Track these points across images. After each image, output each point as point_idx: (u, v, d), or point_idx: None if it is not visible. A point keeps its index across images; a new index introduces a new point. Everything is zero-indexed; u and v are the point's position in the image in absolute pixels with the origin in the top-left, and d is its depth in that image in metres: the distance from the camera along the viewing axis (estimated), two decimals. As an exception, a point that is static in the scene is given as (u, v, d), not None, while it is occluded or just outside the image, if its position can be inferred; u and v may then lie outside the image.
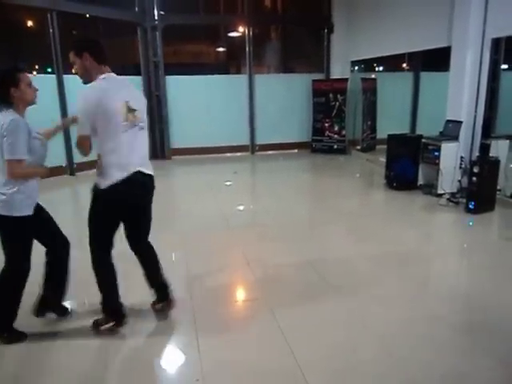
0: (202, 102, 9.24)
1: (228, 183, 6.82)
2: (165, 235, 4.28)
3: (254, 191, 7.13)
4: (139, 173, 2.49)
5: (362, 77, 9.30)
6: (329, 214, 5.21)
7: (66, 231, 2.85)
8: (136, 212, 2.65)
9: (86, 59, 2.44)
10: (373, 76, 10.06)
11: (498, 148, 5.21)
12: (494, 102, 8.00)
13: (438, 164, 5.52)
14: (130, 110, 2.44)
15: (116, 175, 2.41)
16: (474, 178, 4.89)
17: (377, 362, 2.34)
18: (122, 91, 2.46)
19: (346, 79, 9.24)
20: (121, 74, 2.64)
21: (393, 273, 3.47)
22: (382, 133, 8.01)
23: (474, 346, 2.47)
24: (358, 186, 6.83)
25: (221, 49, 12.08)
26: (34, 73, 8.31)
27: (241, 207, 5.65)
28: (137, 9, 8.63)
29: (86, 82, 2.47)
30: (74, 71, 2.55)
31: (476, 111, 5.52)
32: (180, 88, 9.09)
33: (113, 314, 2.67)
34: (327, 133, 9.48)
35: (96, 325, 2.66)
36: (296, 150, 9.79)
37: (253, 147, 9.70)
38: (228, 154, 9.49)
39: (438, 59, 7.57)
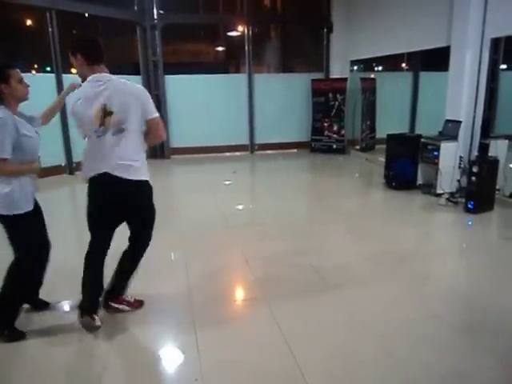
0: (201, 102, 9.24)
1: (227, 182, 6.82)
2: (164, 234, 4.27)
3: (253, 191, 7.12)
4: (107, 175, 2.48)
5: (361, 76, 9.29)
6: (328, 213, 5.21)
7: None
8: (121, 212, 2.63)
9: (78, 60, 2.47)
10: (372, 76, 10.06)
11: (497, 148, 5.22)
12: (493, 101, 8.00)
13: (437, 164, 5.53)
14: (108, 113, 2.40)
15: (90, 173, 2.53)
16: (473, 178, 4.90)
17: (376, 362, 2.34)
18: (101, 95, 2.40)
19: (346, 79, 9.24)
20: (120, 74, 2.64)
21: (392, 273, 3.47)
22: (382, 132, 8.03)
23: (474, 345, 2.47)
24: (357, 186, 6.83)
25: (220, 48, 12.07)
26: (33, 72, 8.30)
27: (240, 206, 5.65)
28: (136, 8, 8.62)
29: (82, 82, 2.49)
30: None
31: (475, 111, 5.52)
32: (179, 87, 9.08)
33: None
34: (326, 132, 9.48)
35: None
36: (295, 150, 9.79)
37: (252, 147, 9.69)
38: (227, 154, 9.49)
39: (437, 59, 7.56)
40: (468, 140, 5.58)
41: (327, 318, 2.81)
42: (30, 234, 2.53)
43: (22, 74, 2.48)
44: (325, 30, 9.67)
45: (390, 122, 8.82)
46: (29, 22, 9.60)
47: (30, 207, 2.48)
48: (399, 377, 2.22)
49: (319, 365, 2.32)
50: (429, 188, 5.76)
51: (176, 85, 9.06)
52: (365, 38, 8.57)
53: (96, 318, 2.66)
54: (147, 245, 2.81)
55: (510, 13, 4.92)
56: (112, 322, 2.77)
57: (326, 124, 9.46)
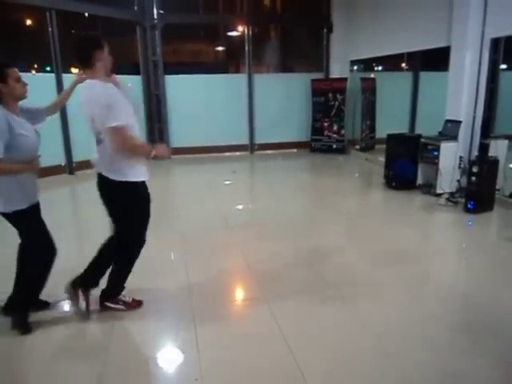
0: (201, 102, 9.24)
1: (227, 182, 6.82)
2: (164, 234, 4.29)
3: (252, 190, 7.12)
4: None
5: (361, 76, 9.29)
6: (328, 213, 5.21)
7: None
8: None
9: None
10: (372, 76, 10.06)
11: (497, 148, 5.22)
12: (493, 101, 8.00)
13: (437, 164, 5.53)
14: None
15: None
16: (473, 178, 4.90)
17: (375, 362, 2.34)
18: (86, 106, 2.48)
19: (346, 79, 9.24)
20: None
21: (391, 272, 3.47)
22: (381, 132, 8.03)
23: (473, 345, 2.47)
24: (356, 186, 6.83)
25: (220, 48, 12.07)
26: (33, 71, 8.29)
27: (240, 206, 5.65)
28: (136, 8, 8.62)
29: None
30: None
31: (475, 111, 5.52)
32: (179, 87, 9.08)
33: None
34: (326, 132, 9.48)
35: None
36: (295, 150, 9.78)
37: (252, 146, 9.69)
38: (227, 154, 9.49)
39: (437, 59, 7.57)
40: (468, 140, 5.58)
41: (327, 317, 2.81)
42: (34, 225, 2.60)
43: (22, 74, 2.49)
44: (325, 30, 9.67)
45: (390, 121, 8.82)
46: (29, 22, 9.61)
47: (28, 204, 2.50)
48: (396, 377, 2.23)
49: (319, 364, 2.33)
50: (429, 188, 5.76)
51: (176, 85, 9.06)
52: (365, 38, 8.57)
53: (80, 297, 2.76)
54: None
55: (509, 13, 4.92)
56: (111, 321, 2.78)
57: (325, 124, 9.46)
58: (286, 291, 3.17)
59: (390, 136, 6.36)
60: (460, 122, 5.52)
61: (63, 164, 7.52)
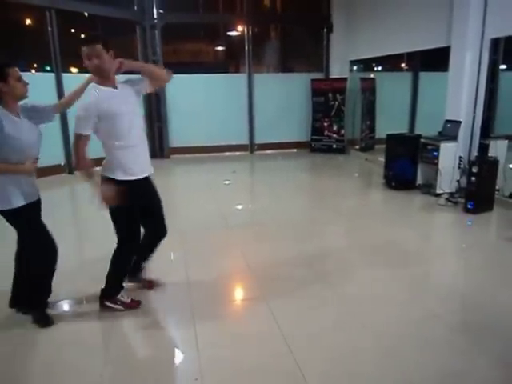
0: (201, 101, 9.23)
1: (227, 182, 6.82)
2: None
3: (252, 190, 7.12)
4: None
5: (361, 76, 9.29)
6: (327, 213, 5.21)
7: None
8: None
9: None
10: (372, 76, 10.06)
11: (497, 148, 5.22)
12: (493, 102, 8.00)
13: (436, 164, 5.53)
14: None
15: None
16: (473, 178, 4.90)
17: (374, 362, 2.34)
18: None
19: (345, 79, 9.24)
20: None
21: (391, 273, 3.47)
22: (381, 132, 8.02)
23: (472, 345, 2.47)
24: (356, 186, 6.83)
25: (220, 48, 12.08)
26: (33, 71, 8.29)
27: (239, 206, 5.65)
28: (136, 7, 8.61)
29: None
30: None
31: (475, 111, 5.52)
32: (179, 87, 9.02)
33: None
34: (326, 132, 9.48)
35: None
36: (295, 150, 9.78)
37: (252, 146, 9.69)
38: (227, 153, 9.48)
39: (437, 59, 7.57)
40: (468, 140, 5.58)
41: (326, 317, 2.81)
42: (32, 224, 2.59)
43: (22, 73, 2.48)
44: (325, 30, 9.66)
45: (390, 121, 8.81)
46: (28, 22, 9.60)
47: (21, 202, 2.48)
48: (396, 376, 2.23)
49: (318, 364, 2.33)
50: (428, 188, 5.76)
51: (176, 84, 8.99)
52: (365, 38, 8.56)
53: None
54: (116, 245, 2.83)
55: (509, 13, 4.92)
56: (111, 320, 2.78)
57: (325, 124, 9.46)
58: (286, 291, 3.17)
59: (389, 136, 6.36)
60: (460, 122, 5.52)
61: (62, 164, 7.52)
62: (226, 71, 11.08)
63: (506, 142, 5.40)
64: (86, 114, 2.47)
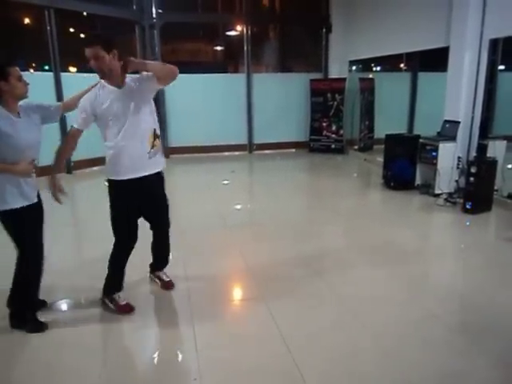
0: (199, 101, 9.22)
1: (225, 182, 6.81)
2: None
3: (251, 190, 7.12)
4: None
5: (359, 76, 9.30)
6: (326, 213, 5.21)
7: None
8: None
9: None
10: (371, 76, 10.07)
11: (496, 148, 5.23)
12: (492, 102, 8.00)
13: (435, 164, 5.53)
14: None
15: None
16: (472, 179, 4.91)
17: (374, 362, 2.34)
18: None
19: (344, 79, 9.24)
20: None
21: (390, 273, 3.47)
22: (380, 133, 8.03)
23: (471, 346, 2.47)
24: (355, 186, 6.83)
25: (219, 47, 12.07)
26: (31, 70, 8.27)
27: (238, 206, 5.65)
28: (135, 7, 8.60)
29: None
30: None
31: (474, 111, 5.53)
32: (178, 86, 8.98)
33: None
34: (325, 132, 9.49)
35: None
36: (294, 150, 9.78)
37: (250, 146, 9.69)
38: (226, 153, 9.48)
39: (435, 59, 7.58)
40: (466, 140, 5.59)
41: (325, 317, 2.81)
42: (20, 230, 2.53)
43: (21, 73, 2.48)
44: (324, 30, 9.67)
45: (389, 122, 8.81)
46: (27, 21, 9.58)
47: (18, 204, 2.46)
48: (395, 377, 2.23)
49: (317, 364, 2.32)
50: (427, 188, 5.77)
51: (174, 84, 8.96)
52: (364, 39, 8.57)
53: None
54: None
55: (508, 14, 4.93)
56: (110, 321, 2.77)
57: (324, 124, 9.46)
58: (285, 291, 3.17)
59: (388, 136, 6.36)
60: (458, 122, 5.53)
61: (61, 163, 7.49)
62: (224, 71, 11.08)
63: (505, 142, 5.41)
64: (80, 107, 2.59)
